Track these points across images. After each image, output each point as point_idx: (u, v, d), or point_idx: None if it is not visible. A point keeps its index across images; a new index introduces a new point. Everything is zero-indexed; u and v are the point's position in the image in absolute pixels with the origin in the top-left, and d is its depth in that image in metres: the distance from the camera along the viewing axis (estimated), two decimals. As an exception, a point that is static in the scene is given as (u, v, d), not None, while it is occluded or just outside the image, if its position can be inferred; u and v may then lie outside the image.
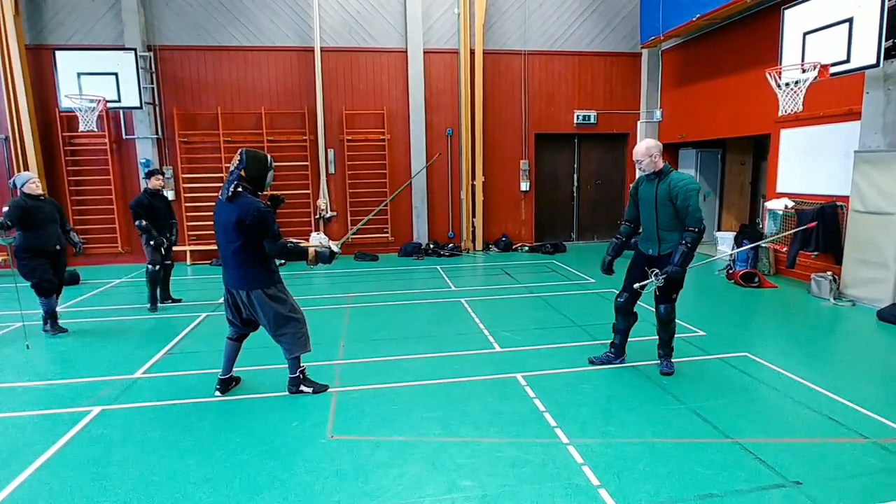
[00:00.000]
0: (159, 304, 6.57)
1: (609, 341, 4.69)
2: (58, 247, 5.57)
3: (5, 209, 5.26)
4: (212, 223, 3.78)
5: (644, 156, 3.99)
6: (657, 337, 4.31)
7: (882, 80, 5.99)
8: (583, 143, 11.44)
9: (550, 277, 8.16)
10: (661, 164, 4.02)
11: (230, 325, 3.92)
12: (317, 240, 3.85)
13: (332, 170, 10.36)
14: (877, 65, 5.56)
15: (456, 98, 10.55)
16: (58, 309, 5.69)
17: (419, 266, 9.46)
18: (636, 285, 4.14)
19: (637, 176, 4.24)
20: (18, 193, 5.46)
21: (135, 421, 3.60)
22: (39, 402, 3.94)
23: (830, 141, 6.99)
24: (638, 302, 4.33)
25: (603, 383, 4.09)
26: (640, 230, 4.29)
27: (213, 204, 3.75)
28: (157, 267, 6.40)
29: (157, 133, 9.78)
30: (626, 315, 4.31)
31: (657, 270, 4.02)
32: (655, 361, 4.42)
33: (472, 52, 10.35)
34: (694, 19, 8.74)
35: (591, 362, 4.43)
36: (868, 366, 4.38)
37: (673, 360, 4.31)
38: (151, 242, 6.30)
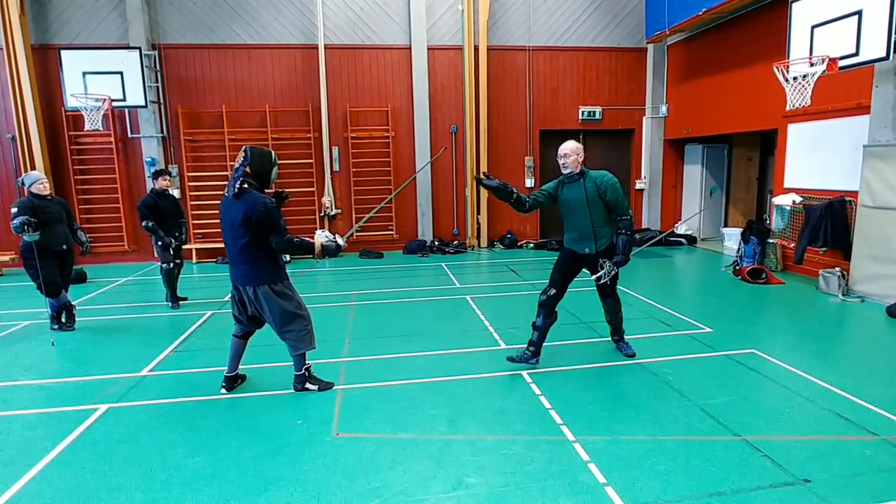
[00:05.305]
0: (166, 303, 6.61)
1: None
2: (65, 246, 5.60)
3: (14, 209, 5.28)
4: (217, 221, 3.80)
5: (574, 152, 4.12)
6: (608, 327, 4.59)
7: (892, 74, 5.91)
8: (588, 138, 11.37)
9: (556, 274, 8.13)
10: (581, 166, 4.15)
11: (236, 322, 3.92)
12: (322, 237, 3.86)
13: (336, 167, 10.36)
14: (886, 58, 5.49)
15: (460, 95, 10.52)
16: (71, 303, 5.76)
17: (424, 263, 9.45)
18: (593, 277, 4.22)
19: (563, 174, 4.22)
20: (26, 193, 5.49)
21: (141, 418, 3.61)
22: (47, 400, 3.97)
23: (839, 135, 6.92)
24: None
25: (609, 380, 4.08)
26: (568, 231, 4.28)
27: (218, 202, 3.76)
28: (171, 265, 6.44)
29: (162, 132, 9.81)
30: (549, 312, 4.26)
31: (607, 261, 4.13)
32: (660, 359, 4.43)
33: (476, 49, 10.30)
34: (700, 13, 8.67)
35: (511, 360, 4.31)
36: (877, 362, 4.33)
37: (678, 357, 4.38)
38: (159, 243, 6.34)
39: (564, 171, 4.18)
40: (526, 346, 4.35)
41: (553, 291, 4.24)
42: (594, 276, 4.21)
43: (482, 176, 4.08)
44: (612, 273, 4.16)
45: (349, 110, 10.20)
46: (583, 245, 4.19)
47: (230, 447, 3.20)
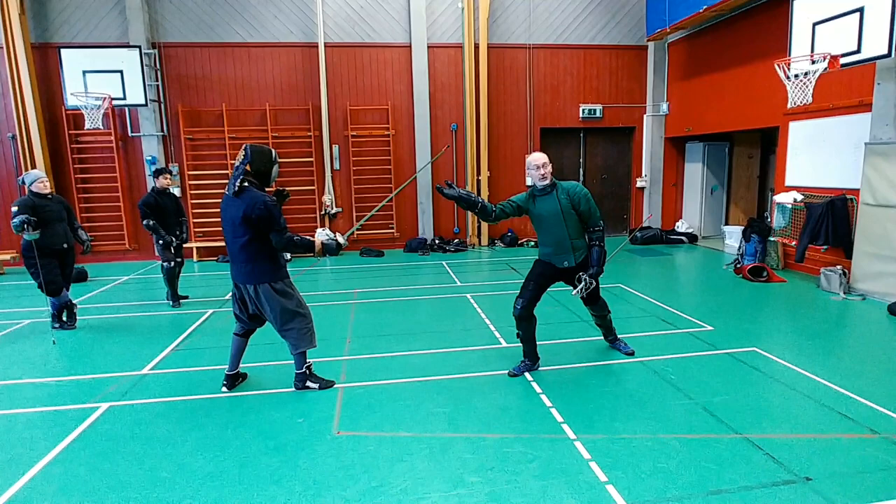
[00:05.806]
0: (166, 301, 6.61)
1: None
2: (65, 245, 5.59)
3: (14, 208, 5.28)
4: (217, 220, 3.81)
5: (549, 162, 4.05)
6: (600, 330, 4.62)
7: (893, 71, 5.89)
8: (588, 137, 11.37)
9: (556, 272, 8.12)
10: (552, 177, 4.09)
11: (237, 320, 3.93)
12: (323, 235, 3.87)
13: (336, 166, 10.36)
14: (888, 55, 5.47)
15: (460, 93, 10.51)
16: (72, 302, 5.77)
17: (425, 261, 9.45)
18: (574, 292, 4.13)
19: (532, 184, 4.13)
20: (27, 191, 5.49)
21: (142, 417, 3.62)
22: (48, 399, 3.97)
23: (840, 133, 6.90)
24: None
25: (610, 379, 4.07)
26: (544, 245, 4.18)
27: (219, 201, 3.76)
28: (172, 264, 6.45)
29: (162, 130, 9.81)
30: (527, 321, 4.18)
31: (585, 275, 4.06)
32: (661, 356, 4.43)
33: (477, 47, 10.29)
34: (701, 11, 8.65)
35: (512, 375, 4.16)
36: (878, 360, 4.33)
37: (679, 355, 4.40)
38: (160, 241, 6.34)
39: (543, 182, 4.04)
40: (521, 360, 4.27)
41: (525, 303, 4.15)
42: (574, 293, 4.14)
43: (444, 185, 3.96)
44: (591, 287, 4.09)
45: (349, 108, 10.20)
46: (561, 258, 4.11)
47: (231, 445, 3.20)
